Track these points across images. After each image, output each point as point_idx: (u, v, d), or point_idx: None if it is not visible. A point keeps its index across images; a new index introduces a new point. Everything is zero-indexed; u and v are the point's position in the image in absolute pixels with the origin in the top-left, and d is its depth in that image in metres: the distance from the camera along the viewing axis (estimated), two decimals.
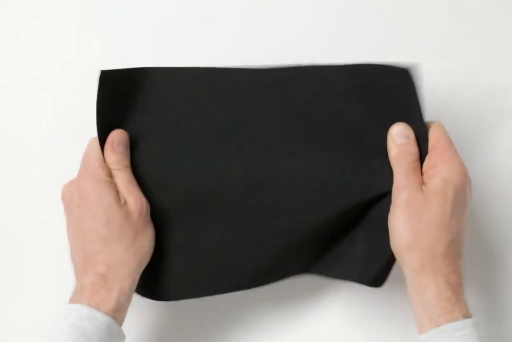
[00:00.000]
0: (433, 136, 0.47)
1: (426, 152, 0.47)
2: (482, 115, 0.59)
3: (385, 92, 0.48)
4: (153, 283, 0.49)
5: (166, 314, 0.57)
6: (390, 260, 0.47)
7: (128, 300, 0.46)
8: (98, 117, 0.48)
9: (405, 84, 0.47)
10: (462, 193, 0.45)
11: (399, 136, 0.47)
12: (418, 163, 0.46)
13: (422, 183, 0.46)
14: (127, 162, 0.48)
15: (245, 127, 0.49)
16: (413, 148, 0.47)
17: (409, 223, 0.45)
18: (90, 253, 0.46)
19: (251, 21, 0.59)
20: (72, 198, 0.47)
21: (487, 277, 0.58)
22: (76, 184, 0.47)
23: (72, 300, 0.45)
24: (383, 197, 0.47)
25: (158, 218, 0.49)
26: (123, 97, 0.49)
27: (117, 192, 0.47)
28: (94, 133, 0.56)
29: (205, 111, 0.49)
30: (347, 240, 0.50)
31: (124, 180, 0.47)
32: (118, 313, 0.45)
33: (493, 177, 0.59)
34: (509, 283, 0.58)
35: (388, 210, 0.46)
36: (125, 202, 0.46)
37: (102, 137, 0.48)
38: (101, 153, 0.48)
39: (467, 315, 0.43)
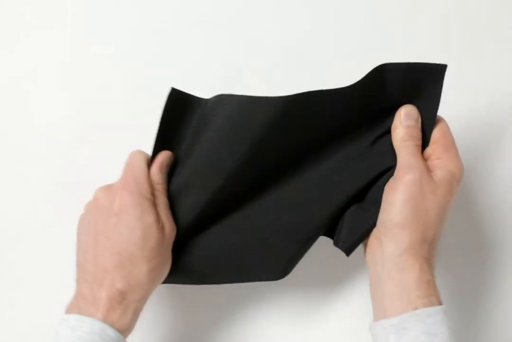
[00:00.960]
0: (440, 131, 0.47)
1: (427, 144, 0.47)
2: (482, 115, 0.59)
3: (402, 89, 0.48)
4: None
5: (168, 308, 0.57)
6: (367, 231, 0.48)
7: (136, 320, 0.45)
8: (159, 133, 0.48)
9: (431, 80, 0.47)
10: (458, 189, 0.46)
11: (408, 118, 0.47)
12: (420, 148, 0.47)
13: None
14: (166, 185, 0.48)
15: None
16: (418, 133, 0.47)
17: (412, 201, 0.44)
18: (115, 265, 0.44)
19: (251, 22, 0.59)
20: (112, 205, 0.45)
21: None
22: (120, 194, 0.45)
23: (84, 310, 0.43)
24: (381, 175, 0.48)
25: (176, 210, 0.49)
26: (183, 120, 0.49)
27: (157, 213, 0.46)
28: (94, 133, 0.57)
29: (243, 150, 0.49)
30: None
31: (164, 203, 0.47)
32: (127, 331, 0.44)
33: (491, 175, 0.59)
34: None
35: (382, 184, 0.47)
36: (163, 226, 0.45)
37: (155, 154, 0.48)
38: (147, 169, 0.47)
39: (439, 302, 0.44)
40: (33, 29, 0.58)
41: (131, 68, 0.58)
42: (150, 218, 0.44)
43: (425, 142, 0.48)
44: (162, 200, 0.47)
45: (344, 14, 0.59)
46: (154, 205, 0.46)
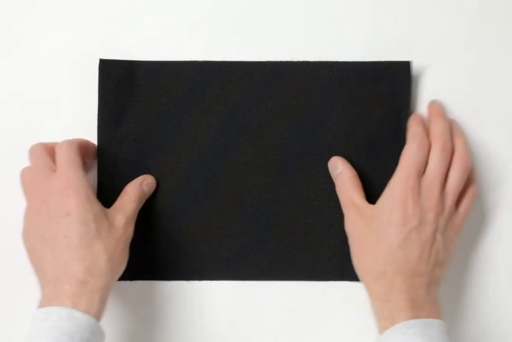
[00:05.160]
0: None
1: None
2: (485, 115, 0.58)
3: (375, 91, 0.51)
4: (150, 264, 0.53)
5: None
6: None
7: (104, 309, 0.47)
8: (102, 107, 0.51)
9: (398, 81, 0.51)
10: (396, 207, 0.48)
11: (332, 170, 0.52)
12: (351, 182, 0.50)
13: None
14: (142, 202, 0.51)
15: (236, 127, 0.52)
16: (345, 175, 0.51)
17: (355, 241, 0.50)
18: (75, 258, 0.46)
19: (252, 19, 0.59)
20: (60, 207, 0.47)
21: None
22: (65, 193, 0.47)
23: (50, 304, 0.45)
24: None
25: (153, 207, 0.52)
26: (124, 89, 0.51)
27: (101, 205, 0.49)
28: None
29: (200, 108, 0.51)
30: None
31: (131, 208, 0.50)
32: (98, 317, 0.45)
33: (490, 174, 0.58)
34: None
35: None
36: (114, 217, 0.48)
37: (101, 131, 0.51)
38: (81, 162, 0.49)
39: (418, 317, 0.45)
40: (36, 30, 0.58)
41: None
42: (97, 208, 0.47)
43: (401, 143, 0.50)
44: (124, 206, 0.49)
45: (345, 13, 0.58)
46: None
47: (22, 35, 0.58)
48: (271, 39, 0.57)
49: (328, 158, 0.52)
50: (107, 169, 0.51)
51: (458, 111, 0.57)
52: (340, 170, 0.51)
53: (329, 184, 0.52)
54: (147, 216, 0.52)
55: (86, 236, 0.46)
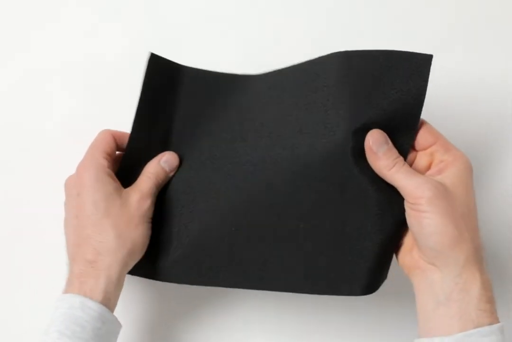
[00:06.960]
0: (429, 133, 0.46)
1: (409, 145, 0.46)
2: (484, 113, 0.59)
3: (390, 78, 0.46)
4: (154, 263, 0.50)
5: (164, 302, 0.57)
6: (380, 261, 0.46)
7: (117, 288, 0.46)
8: (142, 101, 0.49)
9: (416, 72, 0.46)
10: (472, 180, 0.45)
11: (379, 146, 0.45)
12: (407, 163, 0.45)
13: (432, 175, 0.45)
14: (161, 180, 0.50)
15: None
16: (396, 151, 0.45)
17: (448, 216, 0.42)
18: (84, 238, 0.46)
19: (255, 20, 0.59)
20: (74, 187, 0.48)
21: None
22: (78, 175, 0.48)
23: (64, 291, 0.45)
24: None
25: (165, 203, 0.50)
26: (164, 89, 0.51)
27: (118, 183, 0.48)
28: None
29: (226, 116, 0.51)
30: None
31: (147, 185, 0.49)
32: (108, 301, 0.45)
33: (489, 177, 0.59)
34: None
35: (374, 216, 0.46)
36: (128, 195, 0.47)
37: (137, 123, 0.50)
38: (107, 146, 0.49)
39: (497, 319, 0.42)
40: (43, 29, 0.59)
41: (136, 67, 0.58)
42: (110, 187, 0.47)
43: (410, 139, 0.46)
44: (147, 183, 0.49)
45: (348, 9, 0.59)
46: (113, 176, 0.48)
47: (27, 36, 0.59)
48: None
49: (340, 155, 0.47)
50: (132, 165, 0.50)
51: (456, 111, 0.58)
52: (391, 145, 0.45)
53: (340, 187, 0.47)
54: (166, 221, 0.50)
55: (96, 215, 0.46)
